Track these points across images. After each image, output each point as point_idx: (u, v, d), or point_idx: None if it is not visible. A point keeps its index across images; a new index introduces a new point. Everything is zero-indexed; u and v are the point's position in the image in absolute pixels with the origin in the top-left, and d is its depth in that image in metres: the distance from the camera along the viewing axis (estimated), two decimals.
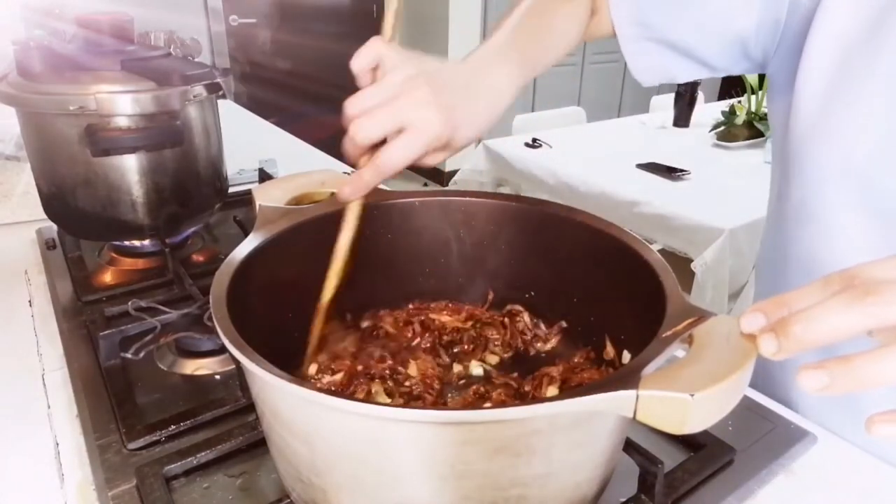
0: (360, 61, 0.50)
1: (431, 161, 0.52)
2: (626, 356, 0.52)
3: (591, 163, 2.11)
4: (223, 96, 0.84)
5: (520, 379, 0.57)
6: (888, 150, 0.51)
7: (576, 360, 0.57)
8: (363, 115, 0.47)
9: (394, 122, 0.47)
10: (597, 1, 0.65)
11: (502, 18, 0.60)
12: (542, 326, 0.61)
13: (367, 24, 3.75)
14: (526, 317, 0.62)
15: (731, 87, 3.79)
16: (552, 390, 0.54)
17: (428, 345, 0.60)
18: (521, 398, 0.54)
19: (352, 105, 0.48)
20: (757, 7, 0.58)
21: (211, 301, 0.43)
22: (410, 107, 0.48)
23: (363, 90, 0.49)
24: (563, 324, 0.60)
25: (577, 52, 3.95)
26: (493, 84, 0.55)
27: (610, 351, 0.54)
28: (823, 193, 0.57)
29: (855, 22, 0.52)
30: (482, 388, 0.56)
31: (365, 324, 0.62)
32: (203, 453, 0.51)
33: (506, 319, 0.62)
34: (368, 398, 0.53)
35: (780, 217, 0.64)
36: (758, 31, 0.59)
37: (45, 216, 0.85)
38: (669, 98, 2.69)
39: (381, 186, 0.54)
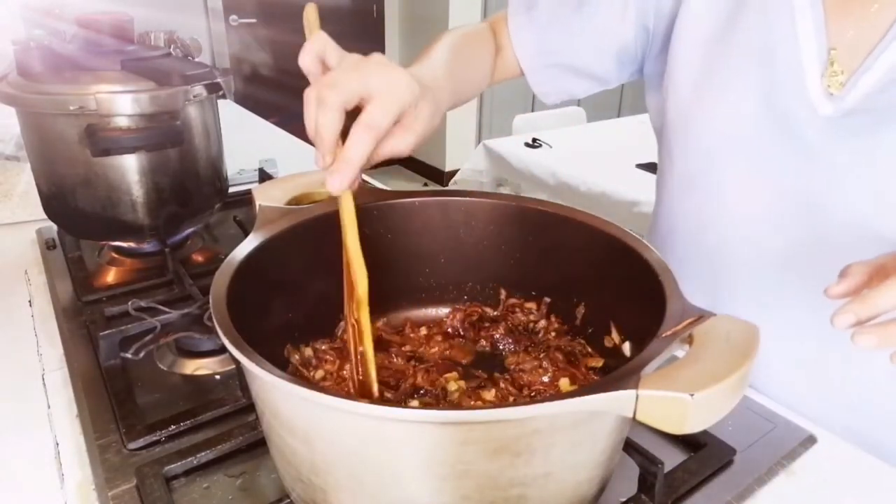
0: (308, 56, 0.47)
1: (412, 135, 0.48)
2: (627, 350, 0.52)
3: (591, 163, 2.10)
4: (223, 96, 0.84)
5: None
6: (760, 122, 0.60)
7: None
8: (325, 88, 0.43)
9: (359, 85, 0.44)
10: (500, 41, 0.74)
11: (425, 51, 0.64)
12: (542, 323, 0.61)
13: (367, 24, 3.75)
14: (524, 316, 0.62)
15: None
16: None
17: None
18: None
19: (312, 90, 0.44)
20: (632, 19, 0.68)
21: (211, 301, 0.43)
22: (373, 71, 0.45)
23: (320, 77, 0.46)
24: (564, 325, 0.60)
25: None
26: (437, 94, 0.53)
27: (614, 338, 0.55)
28: (710, 161, 0.65)
29: (711, 21, 0.62)
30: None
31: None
32: (203, 453, 0.51)
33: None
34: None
35: (665, 192, 0.75)
36: (635, 39, 0.70)
37: (45, 216, 0.85)
38: None
39: (381, 187, 0.54)
